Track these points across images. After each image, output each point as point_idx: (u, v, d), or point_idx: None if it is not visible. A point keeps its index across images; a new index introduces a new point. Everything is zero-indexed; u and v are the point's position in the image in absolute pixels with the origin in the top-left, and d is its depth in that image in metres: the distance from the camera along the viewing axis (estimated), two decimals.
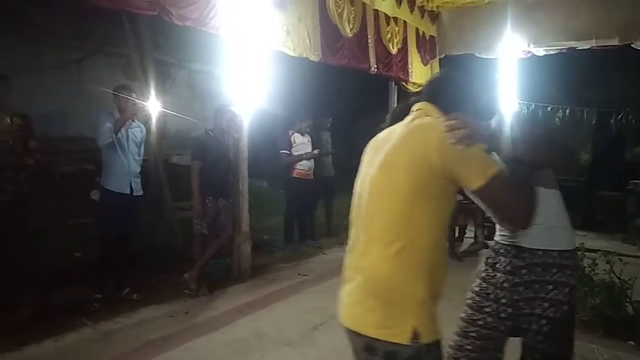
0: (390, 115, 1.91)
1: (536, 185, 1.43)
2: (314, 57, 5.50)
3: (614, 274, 3.66)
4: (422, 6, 7.49)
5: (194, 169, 4.52)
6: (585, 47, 6.99)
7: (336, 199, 7.35)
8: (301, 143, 6.12)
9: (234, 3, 4.38)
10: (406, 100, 1.92)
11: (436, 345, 1.41)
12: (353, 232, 1.56)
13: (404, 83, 7.56)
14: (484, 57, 7.63)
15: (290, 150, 6.05)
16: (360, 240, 1.49)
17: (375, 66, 6.62)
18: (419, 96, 1.66)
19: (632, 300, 3.64)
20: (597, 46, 6.91)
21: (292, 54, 5.22)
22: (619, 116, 8.11)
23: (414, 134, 1.43)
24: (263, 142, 7.73)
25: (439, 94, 1.60)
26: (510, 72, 7.12)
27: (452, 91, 1.61)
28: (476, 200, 1.39)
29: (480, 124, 1.40)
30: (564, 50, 7.26)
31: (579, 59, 8.39)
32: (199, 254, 4.56)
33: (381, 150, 1.50)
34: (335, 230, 7.25)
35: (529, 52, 7.27)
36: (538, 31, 7.17)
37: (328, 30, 5.65)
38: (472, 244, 6.44)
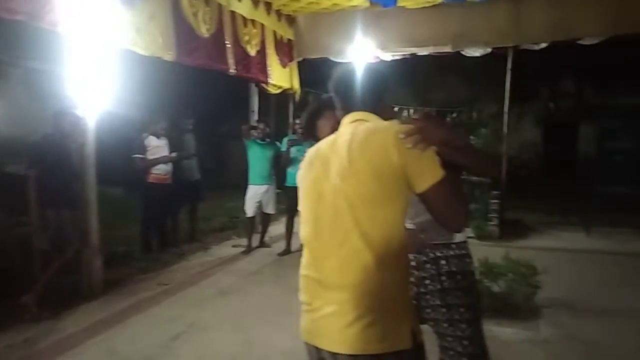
0: (305, 116, 1.95)
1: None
2: (168, 56, 5.28)
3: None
4: (279, 10, 7.61)
5: (31, 178, 4.08)
6: (425, 54, 7.73)
7: (203, 203, 7.18)
8: (157, 146, 5.84)
9: None
10: (318, 100, 1.97)
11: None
12: (313, 253, 1.48)
13: (264, 85, 7.61)
14: (339, 60, 8.00)
15: (144, 154, 5.73)
16: (333, 257, 1.40)
17: (235, 67, 6.57)
18: (329, 102, 1.67)
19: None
20: (435, 53, 7.70)
21: (143, 53, 4.94)
22: (453, 114, 9.09)
23: (369, 140, 1.40)
24: (116, 147, 7.24)
25: (355, 99, 1.57)
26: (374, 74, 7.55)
27: (362, 91, 1.57)
28: (422, 202, 1.40)
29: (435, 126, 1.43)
30: (407, 56, 7.95)
31: (422, 64, 9.22)
32: (40, 273, 4.11)
33: (332, 163, 1.46)
34: (201, 236, 7.08)
35: (378, 57, 7.80)
36: (385, 37, 7.74)
37: (182, 30, 5.46)
38: None
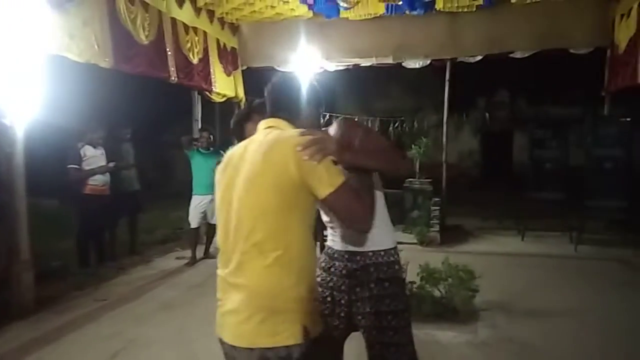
0: (234, 120, 2.03)
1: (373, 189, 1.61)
2: (104, 63, 5.10)
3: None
4: (222, 18, 7.55)
5: None
6: (367, 65, 7.90)
7: (142, 215, 6.96)
8: (93, 156, 5.61)
9: None
10: (249, 104, 2.04)
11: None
12: (224, 255, 1.59)
13: (207, 93, 7.51)
14: (283, 70, 8.02)
15: (80, 164, 5.49)
16: (234, 259, 1.52)
17: (176, 75, 6.44)
18: (259, 107, 1.78)
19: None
20: (377, 64, 7.89)
21: (77, 59, 4.75)
22: (396, 124, 9.35)
23: (272, 151, 1.48)
24: (50, 157, 6.90)
25: (280, 105, 1.67)
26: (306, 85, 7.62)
27: (289, 99, 1.68)
28: (325, 209, 1.51)
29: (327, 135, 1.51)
30: (350, 66, 8.10)
31: (366, 73, 9.41)
32: None
33: (241, 170, 1.54)
34: (141, 249, 6.85)
35: (322, 67, 7.90)
36: (329, 48, 7.86)
37: (120, 36, 5.29)
38: None
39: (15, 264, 4.25)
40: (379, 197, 2.02)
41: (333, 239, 2.11)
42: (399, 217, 7.32)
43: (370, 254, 1.99)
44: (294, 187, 1.44)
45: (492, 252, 6.74)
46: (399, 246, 2.11)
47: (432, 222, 7.54)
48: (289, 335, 1.45)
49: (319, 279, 2.07)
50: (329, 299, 2.05)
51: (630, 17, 6.27)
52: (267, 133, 1.58)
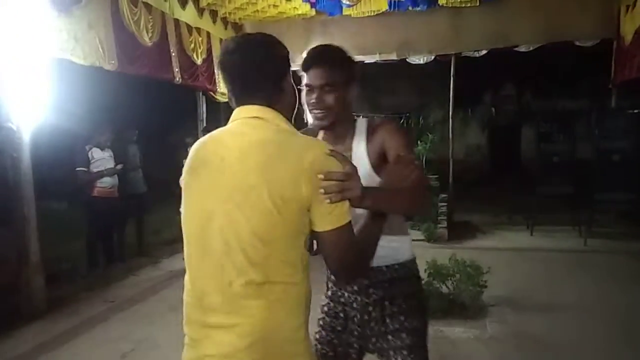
0: None
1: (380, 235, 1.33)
2: (109, 66, 5.13)
3: None
4: (225, 17, 7.57)
5: None
6: (372, 61, 7.89)
7: (149, 216, 7.00)
8: (101, 158, 5.65)
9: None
10: None
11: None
12: (199, 282, 1.26)
13: (212, 93, 7.53)
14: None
15: (88, 167, 5.53)
16: (220, 293, 1.19)
17: (180, 76, 6.47)
18: (232, 87, 1.27)
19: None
20: (381, 60, 7.87)
21: (82, 62, 4.78)
22: (402, 121, 9.31)
23: (275, 161, 1.15)
24: (58, 160, 6.95)
25: (254, 84, 1.24)
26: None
27: (264, 74, 1.25)
28: (320, 240, 1.23)
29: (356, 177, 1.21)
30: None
31: (371, 71, 9.38)
32: None
33: (223, 175, 1.19)
34: (148, 250, 6.89)
35: None
36: None
37: (124, 39, 5.32)
38: None
39: (25, 267, 4.29)
40: None
41: None
42: None
43: (385, 268, 1.74)
44: (300, 209, 1.17)
45: (501, 248, 6.71)
46: None
47: (439, 218, 7.51)
48: None
49: (329, 293, 1.86)
50: (341, 314, 1.81)
51: (635, 8, 6.22)
52: (255, 128, 1.22)
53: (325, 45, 1.72)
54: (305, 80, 1.66)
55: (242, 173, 1.16)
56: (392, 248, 1.71)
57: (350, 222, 1.20)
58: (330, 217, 1.17)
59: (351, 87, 1.67)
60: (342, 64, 1.66)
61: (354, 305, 1.77)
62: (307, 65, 1.65)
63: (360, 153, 1.67)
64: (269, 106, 1.24)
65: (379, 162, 1.64)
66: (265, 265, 1.16)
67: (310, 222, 1.20)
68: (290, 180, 1.14)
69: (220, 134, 1.27)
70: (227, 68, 1.26)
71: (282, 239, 1.17)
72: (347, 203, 1.19)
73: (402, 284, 1.77)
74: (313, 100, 1.63)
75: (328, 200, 1.15)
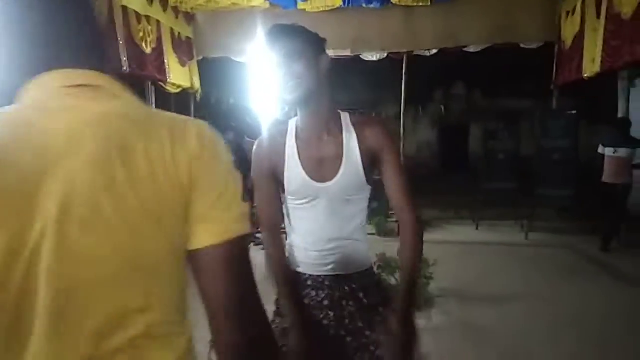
0: None
1: None
2: None
3: None
4: (176, 7, 7.36)
5: None
6: None
7: None
8: None
9: None
10: None
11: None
12: (37, 345, 0.67)
13: (162, 83, 7.32)
14: (240, 60, 7.93)
15: None
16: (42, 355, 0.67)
17: (128, 65, 6.25)
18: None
19: None
20: (335, 56, 7.89)
21: None
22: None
23: (139, 145, 0.72)
24: None
25: (81, 43, 0.81)
26: (263, 76, 7.57)
27: (90, 30, 0.85)
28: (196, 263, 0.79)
29: None
30: None
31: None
32: None
33: (44, 180, 0.66)
34: None
35: None
36: None
37: None
38: None
39: None
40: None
41: (302, 259, 1.60)
42: None
43: (356, 275, 1.60)
44: (179, 212, 0.76)
45: (448, 241, 6.91)
46: None
47: (390, 212, 7.64)
48: None
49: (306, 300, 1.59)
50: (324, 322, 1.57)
51: (575, 14, 6.53)
52: (89, 102, 0.74)
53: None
54: (273, 58, 1.51)
55: (92, 179, 0.70)
56: (359, 251, 1.64)
57: (245, 235, 0.80)
58: (222, 226, 0.79)
59: (321, 58, 1.55)
60: (306, 32, 1.56)
61: (324, 322, 1.57)
62: (271, 40, 1.51)
63: (353, 148, 1.56)
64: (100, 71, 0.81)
65: (369, 163, 1.58)
66: (159, 307, 0.78)
67: (190, 236, 0.78)
68: (172, 171, 0.76)
69: (9, 111, 0.73)
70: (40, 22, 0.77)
71: (170, 262, 0.78)
72: (244, 210, 0.81)
73: (375, 288, 1.66)
74: (283, 73, 1.48)
75: (220, 176, 0.80)
